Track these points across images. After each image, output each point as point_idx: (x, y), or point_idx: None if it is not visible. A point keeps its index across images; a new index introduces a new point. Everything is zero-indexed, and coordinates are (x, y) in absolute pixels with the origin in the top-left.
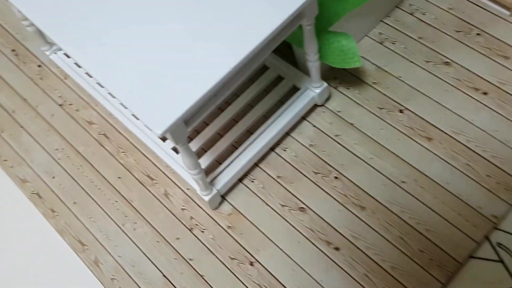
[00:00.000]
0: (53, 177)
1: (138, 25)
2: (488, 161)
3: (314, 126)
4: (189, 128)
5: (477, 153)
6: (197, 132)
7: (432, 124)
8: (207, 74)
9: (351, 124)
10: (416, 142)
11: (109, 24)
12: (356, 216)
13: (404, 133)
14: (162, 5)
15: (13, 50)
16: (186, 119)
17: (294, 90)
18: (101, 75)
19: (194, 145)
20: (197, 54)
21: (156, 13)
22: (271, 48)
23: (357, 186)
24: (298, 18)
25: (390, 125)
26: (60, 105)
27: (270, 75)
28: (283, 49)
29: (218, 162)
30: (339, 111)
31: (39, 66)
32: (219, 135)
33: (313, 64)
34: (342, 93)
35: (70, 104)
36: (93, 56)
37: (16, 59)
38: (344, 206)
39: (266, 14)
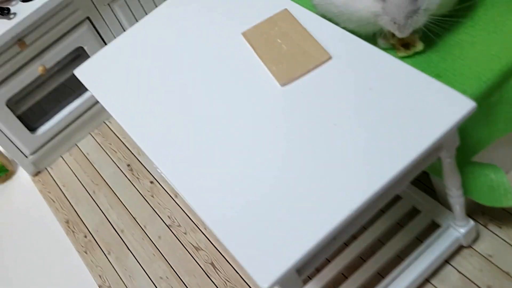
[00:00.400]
0: None
1: (248, 148)
2: None
3: (460, 272)
4: (303, 277)
5: None
6: (316, 270)
7: None
8: (327, 210)
9: (506, 273)
10: None
11: (211, 149)
12: None
13: None
14: (272, 120)
15: (128, 165)
16: (299, 267)
17: (433, 226)
18: (198, 205)
19: None
20: (316, 183)
21: (264, 128)
22: (403, 183)
23: None
24: (435, 151)
25: None
26: (168, 226)
27: (403, 206)
28: (420, 175)
29: None
30: (490, 255)
31: (151, 182)
32: (343, 277)
33: (456, 200)
34: (493, 232)
35: (178, 226)
36: (191, 183)
37: (130, 174)
38: None
39: (396, 146)
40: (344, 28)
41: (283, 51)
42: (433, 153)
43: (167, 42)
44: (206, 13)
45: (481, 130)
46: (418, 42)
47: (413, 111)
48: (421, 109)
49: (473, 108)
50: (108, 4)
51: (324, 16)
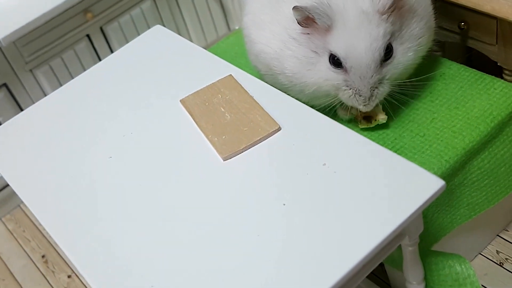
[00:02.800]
0: None
1: (184, 236)
2: None
3: None
4: None
5: None
6: None
7: None
8: None
9: None
10: None
11: (142, 240)
12: None
13: None
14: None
15: (43, 256)
16: None
17: None
18: None
19: None
20: (262, 276)
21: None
22: (359, 279)
23: None
24: (397, 238)
25: None
26: None
27: None
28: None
29: None
30: None
31: (69, 276)
32: None
33: None
34: None
35: None
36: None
37: (44, 267)
38: None
39: (354, 232)
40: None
41: (226, 120)
42: (395, 240)
43: (93, 108)
44: (141, 77)
45: (442, 216)
46: (381, 113)
47: (373, 190)
48: (382, 188)
49: (442, 187)
50: (30, 70)
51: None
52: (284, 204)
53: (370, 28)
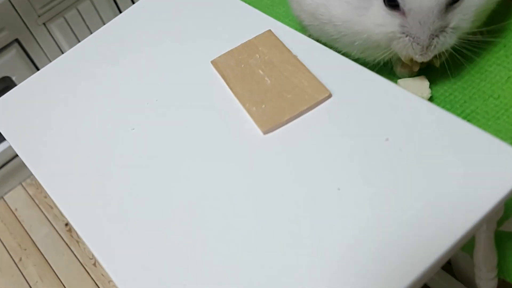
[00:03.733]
0: None
1: (216, 223)
2: None
3: None
4: None
5: None
6: None
7: None
8: None
9: None
10: None
11: (162, 224)
12: None
13: None
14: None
15: (67, 225)
16: None
17: None
18: None
19: None
20: (317, 275)
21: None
22: (433, 272)
23: None
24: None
25: None
26: None
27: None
28: None
29: None
30: None
31: None
32: None
33: (486, 283)
34: None
35: None
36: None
37: (68, 236)
38: None
39: (430, 227)
40: (345, 55)
41: (266, 86)
42: (470, 232)
43: (111, 70)
44: (165, 34)
45: None
46: (425, 87)
47: (447, 174)
48: (460, 171)
49: None
50: (44, 24)
51: (318, 41)
52: (338, 189)
53: None
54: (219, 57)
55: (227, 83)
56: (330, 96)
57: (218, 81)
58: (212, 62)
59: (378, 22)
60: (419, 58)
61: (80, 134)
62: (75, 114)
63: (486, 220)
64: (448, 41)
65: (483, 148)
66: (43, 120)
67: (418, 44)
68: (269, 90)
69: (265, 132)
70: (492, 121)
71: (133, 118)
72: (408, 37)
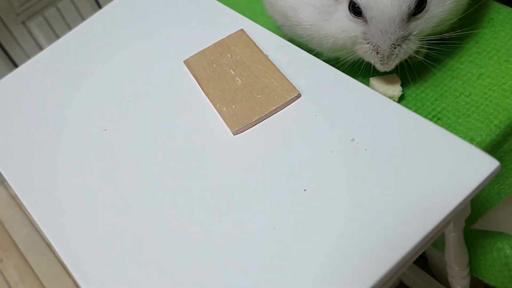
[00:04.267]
0: None
1: (184, 224)
2: None
3: None
4: None
5: None
6: None
7: None
8: None
9: None
10: None
11: (133, 231)
12: None
13: None
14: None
15: None
16: None
17: None
18: None
19: None
20: (284, 273)
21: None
22: (400, 271)
23: None
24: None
25: None
26: None
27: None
28: None
29: None
30: None
31: None
32: None
33: (459, 281)
34: None
35: None
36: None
37: None
38: None
39: (395, 226)
40: (318, 54)
41: (237, 86)
42: (437, 231)
43: (87, 67)
44: (138, 33)
45: (488, 186)
46: (396, 83)
47: (411, 173)
48: (423, 171)
49: (497, 169)
50: (23, 22)
51: (292, 41)
52: (305, 190)
53: None
54: (192, 56)
55: (199, 83)
56: (299, 96)
57: (190, 81)
58: (185, 61)
59: (342, 28)
60: (380, 68)
61: (52, 135)
62: (47, 114)
63: (451, 218)
64: (411, 47)
65: (449, 148)
66: (15, 120)
67: (378, 53)
68: (239, 90)
69: (235, 133)
70: (463, 118)
71: (105, 118)
72: (369, 44)
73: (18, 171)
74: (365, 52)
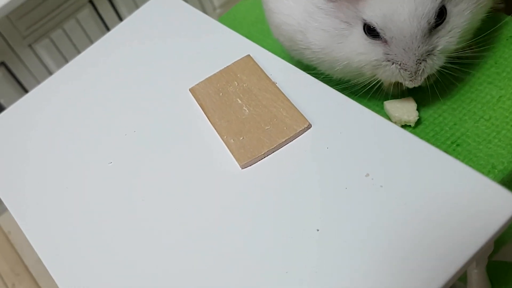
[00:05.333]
0: None
1: (190, 260)
2: None
3: None
4: None
5: None
6: None
7: None
8: None
9: None
10: None
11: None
12: None
13: None
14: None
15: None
16: None
17: None
18: None
19: None
20: None
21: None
22: None
23: None
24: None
25: None
26: None
27: None
28: None
29: None
30: None
31: None
32: None
33: None
34: None
35: None
36: None
37: None
38: None
39: (412, 271)
40: (328, 77)
41: (245, 116)
42: (459, 272)
43: (90, 97)
44: (143, 61)
45: None
46: (412, 110)
47: (429, 214)
48: (442, 209)
49: None
50: (29, 45)
51: (300, 63)
52: (318, 230)
53: None
54: (198, 84)
55: (205, 113)
56: (309, 126)
57: (197, 110)
58: (191, 90)
59: (360, 51)
60: (409, 84)
61: (57, 168)
62: (54, 145)
63: (475, 259)
64: (436, 63)
65: (469, 184)
66: (21, 148)
67: (406, 70)
68: (247, 120)
69: (243, 166)
70: (483, 144)
71: (111, 150)
72: (394, 65)
73: (20, 202)
74: (392, 72)
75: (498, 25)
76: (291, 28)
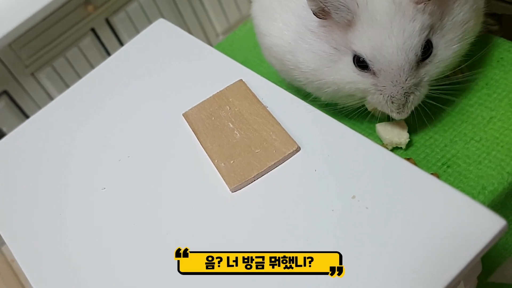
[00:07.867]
0: None
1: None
2: None
3: None
4: None
5: None
6: None
7: None
8: None
9: None
10: None
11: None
12: None
13: None
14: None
15: None
16: None
17: None
18: None
19: None
20: None
21: None
22: None
23: None
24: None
25: None
26: None
27: None
28: None
29: None
30: None
31: None
32: None
33: None
34: None
35: None
36: None
37: None
38: None
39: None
40: (317, 99)
41: (236, 140)
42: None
43: (85, 123)
44: (137, 87)
45: (505, 236)
46: (403, 131)
47: (414, 235)
48: (426, 231)
49: (503, 228)
50: (32, 74)
51: (291, 87)
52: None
53: (402, 22)
54: (191, 109)
55: (198, 138)
56: (298, 149)
57: (189, 135)
58: (184, 115)
59: (347, 80)
60: (396, 116)
61: (51, 192)
62: (48, 171)
63: (460, 279)
64: (424, 92)
65: (454, 207)
66: (16, 178)
67: (393, 103)
68: (238, 144)
69: (233, 190)
70: (474, 166)
71: (104, 176)
72: (382, 95)
73: (14, 228)
74: (379, 102)
75: (488, 46)
76: (281, 49)
